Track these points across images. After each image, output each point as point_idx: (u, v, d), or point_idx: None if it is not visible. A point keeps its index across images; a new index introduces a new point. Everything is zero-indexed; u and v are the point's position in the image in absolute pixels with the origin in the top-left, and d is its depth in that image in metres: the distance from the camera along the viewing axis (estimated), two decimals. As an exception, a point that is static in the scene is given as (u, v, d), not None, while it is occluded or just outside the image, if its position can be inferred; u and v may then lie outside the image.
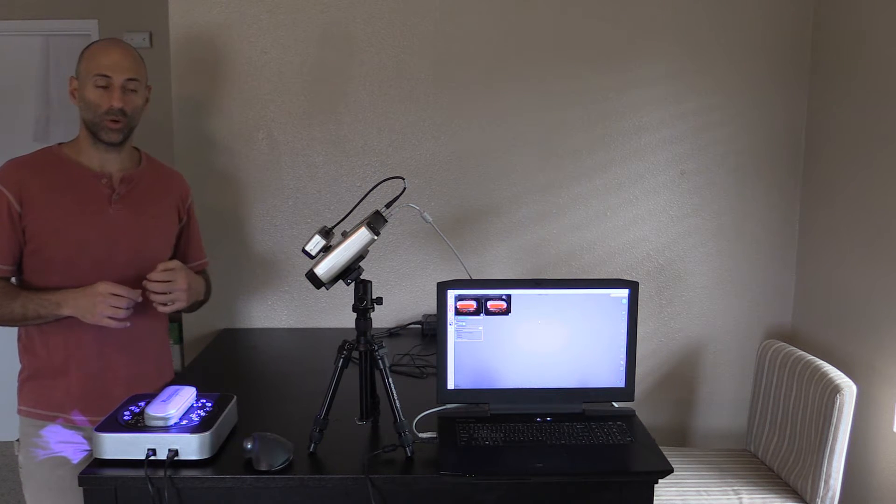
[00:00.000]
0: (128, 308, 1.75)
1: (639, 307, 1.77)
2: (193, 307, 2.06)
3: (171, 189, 2.03)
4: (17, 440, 1.90)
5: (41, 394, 1.87)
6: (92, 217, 1.83)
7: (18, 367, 1.90)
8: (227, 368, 2.28)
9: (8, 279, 1.82)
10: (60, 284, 1.80)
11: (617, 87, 2.60)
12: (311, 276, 1.58)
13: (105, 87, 1.79)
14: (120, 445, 1.48)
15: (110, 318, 1.73)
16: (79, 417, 1.86)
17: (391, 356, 2.18)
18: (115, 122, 1.81)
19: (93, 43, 1.88)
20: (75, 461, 1.85)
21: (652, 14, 2.56)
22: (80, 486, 1.46)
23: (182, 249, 2.08)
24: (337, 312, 2.67)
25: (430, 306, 2.65)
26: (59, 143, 1.90)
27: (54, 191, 1.81)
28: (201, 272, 2.15)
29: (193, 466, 1.48)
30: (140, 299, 1.76)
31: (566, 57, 2.58)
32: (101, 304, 1.72)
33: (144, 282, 1.81)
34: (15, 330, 1.89)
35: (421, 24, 2.56)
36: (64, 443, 1.86)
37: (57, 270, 1.81)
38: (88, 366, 1.86)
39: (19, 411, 1.89)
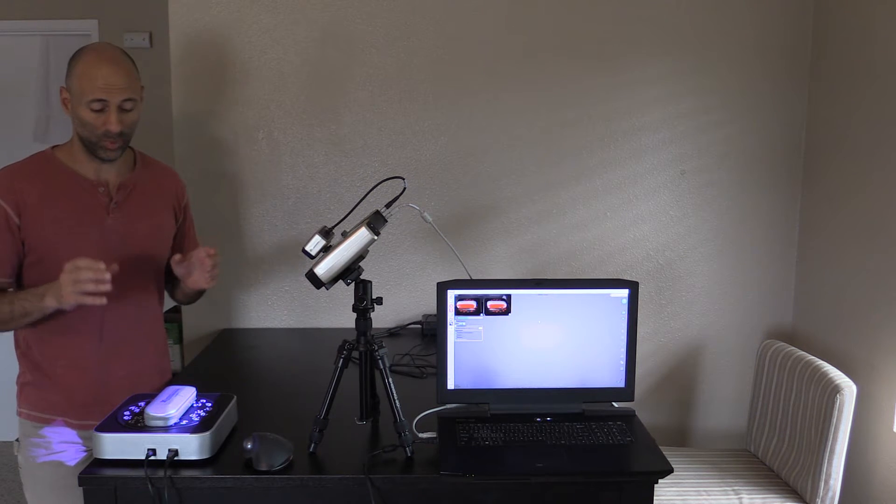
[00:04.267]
0: (96, 280, 1.60)
1: (639, 307, 1.76)
2: (194, 297, 2.08)
3: (167, 189, 2.01)
4: (17, 440, 1.90)
5: (40, 397, 1.85)
6: (89, 228, 1.80)
7: (17, 366, 1.89)
8: (227, 368, 2.28)
9: (4, 290, 1.80)
10: None
11: (617, 87, 2.59)
12: (311, 276, 1.58)
13: (100, 110, 1.72)
14: (120, 445, 1.48)
15: (80, 293, 1.61)
16: (77, 421, 1.85)
17: (391, 356, 2.18)
18: (113, 142, 1.76)
19: (81, 53, 1.77)
20: (75, 462, 1.85)
21: (652, 14, 2.56)
22: (80, 486, 1.46)
23: (178, 247, 2.05)
24: (337, 312, 2.67)
25: (430, 306, 2.65)
26: (53, 147, 1.85)
27: (51, 201, 1.78)
28: None
29: (193, 466, 1.49)
30: (106, 274, 1.61)
31: (566, 57, 2.58)
32: (66, 281, 1.61)
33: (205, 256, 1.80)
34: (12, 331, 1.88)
35: (421, 24, 2.55)
36: (64, 443, 1.86)
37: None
38: (87, 371, 1.84)
39: (19, 413, 1.88)
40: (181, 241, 2.07)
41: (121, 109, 1.74)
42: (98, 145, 1.77)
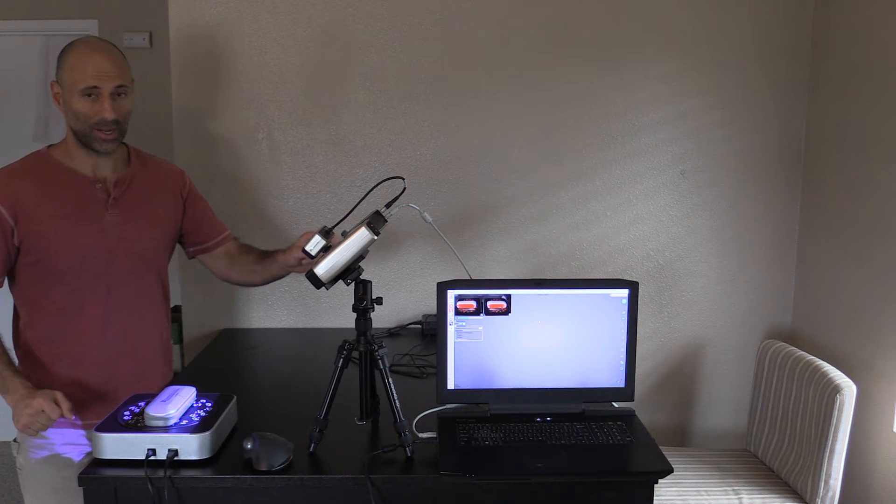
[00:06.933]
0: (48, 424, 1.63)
1: (639, 307, 1.76)
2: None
3: (165, 181, 1.98)
4: (14, 440, 1.88)
5: None
6: (89, 225, 1.80)
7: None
8: (227, 368, 2.28)
9: None
10: (61, 296, 1.79)
11: (617, 87, 2.59)
12: (311, 276, 1.58)
13: (93, 98, 1.72)
14: (120, 445, 1.48)
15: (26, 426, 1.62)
16: (82, 421, 1.84)
17: (391, 356, 2.17)
18: (108, 132, 1.75)
19: (72, 46, 1.77)
20: (76, 462, 1.84)
21: (652, 14, 2.56)
22: (80, 486, 1.47)
23: (197, 231, 2.03)
24: (337, 312, 2.67)
25: (430, 306, 2.65)
26: (49, 146, 1.85)
27: (50, 200, 1.77)
28: (233, 241, 2.11)
29: (193, 466, 1.49)
30: (71, 417, 1.65)
31: (566, 57, 2.57)
32: (24, 415, 1.61)
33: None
34: (10, 330, 1.87)
35: (421, 25, 2.55)
36: (67, 444, 1.84)
37: (58, 281, 1.78)
38: (94, 374, 1.83)
39: None
40: (199, 226, 2.03)
41: (113, 96, 1.74)
42: (92, 136, 1.75)
